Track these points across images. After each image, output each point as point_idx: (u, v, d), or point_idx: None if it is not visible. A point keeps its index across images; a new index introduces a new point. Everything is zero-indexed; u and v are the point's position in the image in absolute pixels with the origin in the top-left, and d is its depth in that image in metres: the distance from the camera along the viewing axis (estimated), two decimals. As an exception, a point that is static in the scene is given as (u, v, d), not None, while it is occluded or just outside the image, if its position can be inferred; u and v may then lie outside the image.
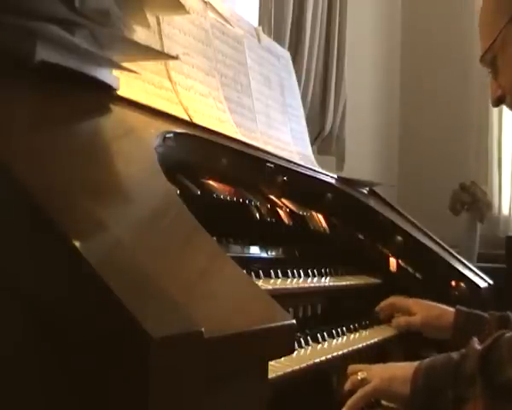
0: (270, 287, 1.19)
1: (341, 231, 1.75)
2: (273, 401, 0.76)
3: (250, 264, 1.24)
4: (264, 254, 1.46)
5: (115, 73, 1.03)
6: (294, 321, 0.75)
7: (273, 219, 1.53)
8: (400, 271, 1.74)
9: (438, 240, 1.88)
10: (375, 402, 1.22)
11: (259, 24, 2.52)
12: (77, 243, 0.60)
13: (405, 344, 1.58)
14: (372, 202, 1.89)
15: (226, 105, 1.53)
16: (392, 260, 1.75)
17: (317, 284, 1.40)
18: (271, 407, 0.74)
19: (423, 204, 3.69)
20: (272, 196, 1.54)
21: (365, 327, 1.50)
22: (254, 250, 1.44)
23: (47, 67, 0.87)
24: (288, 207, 1.57)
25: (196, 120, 1.33)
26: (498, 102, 1.24)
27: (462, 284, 1.71)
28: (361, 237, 1.77)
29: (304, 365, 1.08)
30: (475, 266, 1.88)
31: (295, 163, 1.69)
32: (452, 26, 4.15)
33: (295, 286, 1.30)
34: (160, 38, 1.33)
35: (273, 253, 1.50)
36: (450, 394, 1.05)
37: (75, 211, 0.66)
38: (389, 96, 4.29)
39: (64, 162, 0.75)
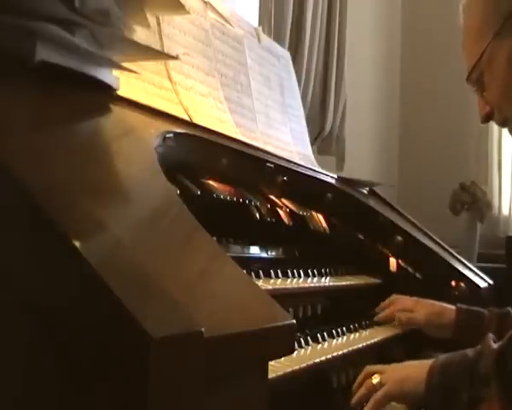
0: (270, 287, 1.19)
1: (341, 231, 1.75)
2: (273, 400, 0.76)
3: (250, 264, 1.24)
4: (264, 254, 1.46)
5: (115, 73, 1.03)
6: (294, 321, 0.75)
7: (273, 219, 1.53)
8: (400, 271, 1.74)
9: (438, 240, 1.88)
10: None
11: (259, 24, 2.52)
12: (77, 243, 0.60)
13: (406, 344, 1.58)
14: (372, 202, 1.89)
15: (226, 105, 1.53)
16: (392, 260, 1.75)
17: (317, 284, 1.40)
18: (271, 406, 0.74)
19: (423, 204, 3.69)
20: (272, 196, 1.54)
21: (365, 327, 1.50)
22: (254, 250, 1.44)
23: (47, 67, 0.87)
24: (288, 207, 1.57)
25: (196, 120, 1.33)
26: (487, 118, 1.23)
27: (462, 284, 1.71)
28: (361, 237, 1.77)
29: (304, 365, 1.08)
30: (475, 266, 1.88)
31: (295, 163, 1.69)
32: (452, 26, 4.14)
33: (295, 286, 1.30)
34: (160, 38, 1.33)
35: (273, 253, 1.50)
36: (466, 394, 1.04)
37: (75, 211, 0.66)
38: (389, 96, 4.29)
39: (64, 162, 0.74)
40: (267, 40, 1.98)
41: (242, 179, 1.42)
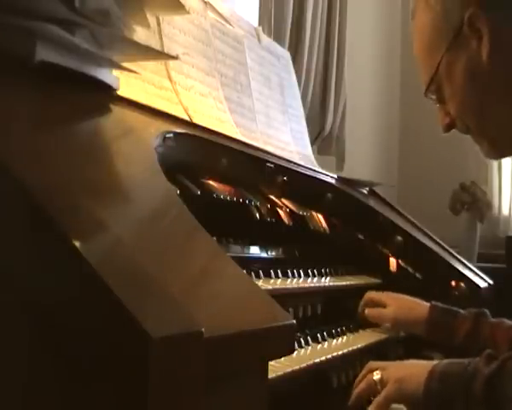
0: (270, 287, 1.19)
1: (341, 231, 1.75)
2: (273, 400, 0.76)
3: (250, 264, 1.24)
4: (264, 254, 1.46)
5: (115, 73, 1.03)
6: (294, 321, 0.75)
7: (273, 219, 1.53)
8: (400, 271, 1.74)
9: (438, 240, 1.88)
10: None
11: (259, 24, 2.53)
12: (77, 243, 0.60)
13: (406, 344, 1.58)
14: (372, 202, 1.89)
15: (226, 105, 1.53)
16: (392, 260, 1.75)
17: (317, 284, 1.40)
18: (271, 406, 0.74)
19: (423, 204, 3.69)
20: (272, 196, 1.54)
21: (365, 327, 1.50)
22: (254, 250, 1.44)
23: (47, 67, 0.87)
24: (288, 207, 1.57)
25: (196, 120, 1.33)
26: (448, 128, 1.23)
27: (462, 284, 1.71)
28: (361, 237, 1.77)
29: (304, 365, 1.08)
30: (475, 266, 1.88)
31: (295, 163, 1.69)
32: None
33: (295, 286, 1.30)
34: (160, 38, 1.33)
35: (273, 253, 1.50)
36: (461, 408, 1.04)
37: (75, 211, 0.66)
38: (389, 95, 4.29)
39: (64, 162, 0.74)
40: (267, 40, 1.98)
41: (242, 179, 1.42)
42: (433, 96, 1.21)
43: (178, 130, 1.17)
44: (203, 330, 0.58)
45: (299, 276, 1.35)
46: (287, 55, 2.12)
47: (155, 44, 1.29)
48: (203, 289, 0.70)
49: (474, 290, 1.71)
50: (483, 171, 4.05)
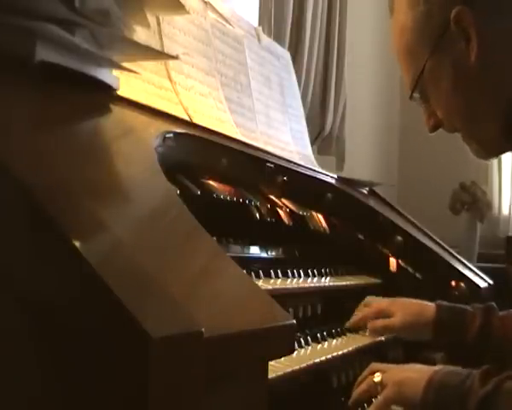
0: (270, 287, 1.19)
1: (341, 231, 1.75)
2: (273, 400, 0.76)
3: (250, 264, 1.24)
4: (264, 254, 1.46)
5: (115, 73, 1.03)
6: (294, 321, 0.75)
7: (273, 219, 1.53)
8: (400, 271, 1.74)
9: (438, 240, 1.88)
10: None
11: (259, 24, 2.53)
12: (77, 243, 0.60)
13: (406, 345, 1.58)
14: (372, 202, 1.89)
15: (226, 105, 1.53)
16: (392, 260, 1.75)
17: (317, 284, 1.40)
18: (271, 406, 0.74)
19: (423, 204, 3.69)
20: (272, 196, 1.54)
21: (365, 327, 1.50)
22: (254, 250, 1.44)
23: (47, 67, 0.87)
24: (288, 207, 1.57)
25: (196, 120, 1.33)
26: (435, 128, 1.20)
27: (462, 284, 1.71)
28: (361, 237, 1.77)
29: (304, 365, 1.08)
30: (475, 266, 1.88)
31: (295, 163, 1.69)
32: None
33: (295, 286, 1.30)
34: (160, 38, 1.33)
35: (273, 253, 1.50)
36: None
37: (75, 211, 0.66)
38: (389, 95, 4.29)
39: (64, 162, 0.74)
40: (267, 40, 1.98)
41: (242, 179, 1.42)
42: (417, 95, 1.17)
43: (178, 130, 1.17)
44: (203, 330, 0.58)
45: (299, 276, 1.35)
46: (287, 55, 2.13)
47: (155, 44, 1.29)
48: (203, 289, 0.70)
49: (474, 290, 1.71)
50: (483, 171, 4.05)
